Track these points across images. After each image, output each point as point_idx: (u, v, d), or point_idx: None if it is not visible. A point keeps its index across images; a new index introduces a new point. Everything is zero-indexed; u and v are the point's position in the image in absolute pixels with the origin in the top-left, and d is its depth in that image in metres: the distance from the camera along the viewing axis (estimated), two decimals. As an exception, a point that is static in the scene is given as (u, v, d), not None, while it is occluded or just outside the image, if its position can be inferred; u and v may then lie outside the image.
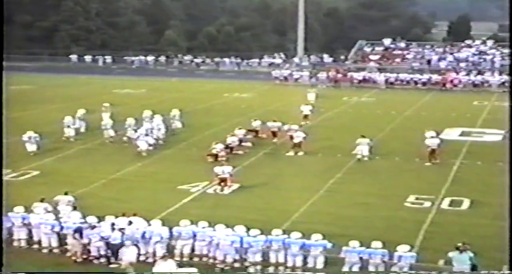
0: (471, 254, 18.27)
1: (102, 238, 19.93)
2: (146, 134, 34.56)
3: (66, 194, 23.75)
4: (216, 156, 31.89)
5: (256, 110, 44.38)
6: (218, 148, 32.34)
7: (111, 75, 71.57)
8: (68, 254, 20.26)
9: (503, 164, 31.72)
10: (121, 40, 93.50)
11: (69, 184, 26.86)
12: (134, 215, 21.12)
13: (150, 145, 33.80)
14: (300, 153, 33.76)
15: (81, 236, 20.07)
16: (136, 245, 20.07)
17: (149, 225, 20.59)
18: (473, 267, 17.96)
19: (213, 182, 27.66)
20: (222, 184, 27.37)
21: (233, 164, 31.20)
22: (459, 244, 18.25)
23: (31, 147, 33.20)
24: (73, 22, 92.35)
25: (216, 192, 27.18)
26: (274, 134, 37.07)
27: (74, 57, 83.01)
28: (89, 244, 20.10)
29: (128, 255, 19.42)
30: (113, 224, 20.38)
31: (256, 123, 37.50)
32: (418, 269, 18.36)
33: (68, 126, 36.96)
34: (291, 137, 35.10)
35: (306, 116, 43.06)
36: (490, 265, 18.19)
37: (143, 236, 20.16)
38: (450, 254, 18.24)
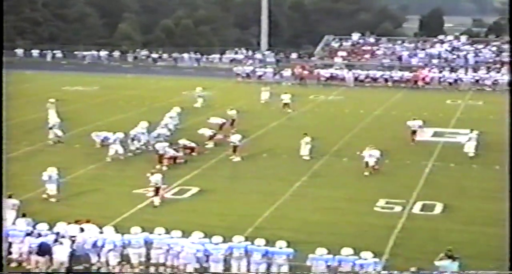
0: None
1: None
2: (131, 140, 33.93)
3: (10, 197, 23.25)
4: (174, 158, 31.85)
5: (217, 109, 44.35)
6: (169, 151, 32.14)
7: (61, 71, 70.77)
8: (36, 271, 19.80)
9: (476, 166, 32.30)
10: (71, 34, 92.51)
11: (17, 187, 26.43)
12: (87, 222, 20.99)
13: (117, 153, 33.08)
14: (236, 159, 33.04)
15: (44, 255, 19.65)
16: (87, 254, 20.04)
17: (101, 232, 20.51)
18: None
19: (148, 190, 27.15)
20: (156, 193, 26.39)
21: (192, 166, 31.33)
22: (449, 252, 18.23)
23: (52, 187, 27.00)
24: (18, 13, 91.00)
25: (174, 197, 27.16)
26: (232, 122, 38.88)
27: (19, 51, 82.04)
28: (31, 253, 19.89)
29: (59, 253, 19.37)
30: (58, 234, 20.19)
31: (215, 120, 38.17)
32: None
33: (50, 128, 36.27)
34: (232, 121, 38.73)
35: (286, 105, 44.00)
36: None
37: (94, 245, 20.06)
38: (439, 263, 18.12)
